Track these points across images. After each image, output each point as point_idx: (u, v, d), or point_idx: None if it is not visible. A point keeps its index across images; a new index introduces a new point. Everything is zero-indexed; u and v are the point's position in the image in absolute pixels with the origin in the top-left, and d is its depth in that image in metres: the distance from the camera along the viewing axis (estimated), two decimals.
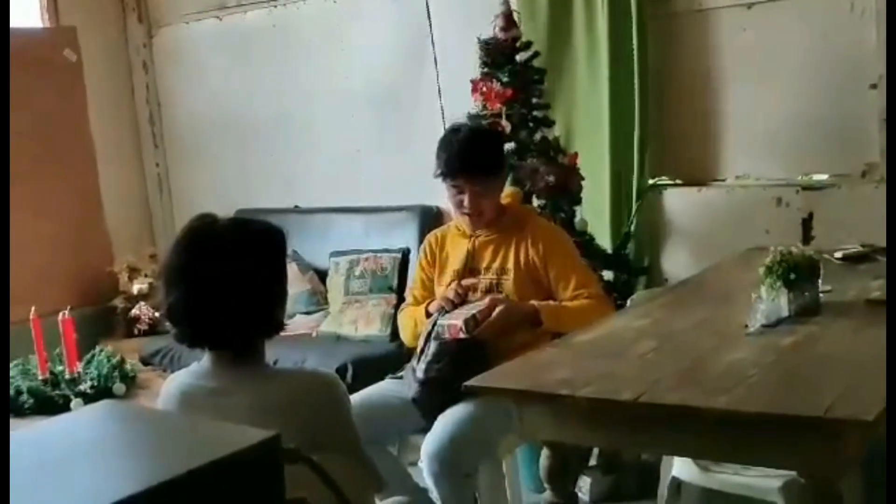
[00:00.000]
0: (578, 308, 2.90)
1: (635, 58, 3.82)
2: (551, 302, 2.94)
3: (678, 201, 3.98)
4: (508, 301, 2.91)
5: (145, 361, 4.40)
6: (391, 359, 3.64)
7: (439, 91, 4.44)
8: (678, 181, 4.00)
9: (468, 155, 2.96)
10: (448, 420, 2.77)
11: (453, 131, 3.07)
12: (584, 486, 3.39)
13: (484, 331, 2.83)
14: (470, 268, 3.05)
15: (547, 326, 2.86)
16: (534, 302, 2.91)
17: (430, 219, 4.26)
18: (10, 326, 4.01)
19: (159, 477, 1.07)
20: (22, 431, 1.30)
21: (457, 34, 4.25)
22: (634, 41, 3.81)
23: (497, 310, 2.85)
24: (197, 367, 2.04)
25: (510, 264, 2.99)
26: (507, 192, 3.22)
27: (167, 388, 2.09)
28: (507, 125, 3.69)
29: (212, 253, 1.93)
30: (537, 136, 3.77)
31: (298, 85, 4.99)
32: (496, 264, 3.02)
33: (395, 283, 4.22)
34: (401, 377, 3.02)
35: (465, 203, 2.97)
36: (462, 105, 3.81)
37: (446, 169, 2.96)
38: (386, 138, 4.66)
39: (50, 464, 1.16)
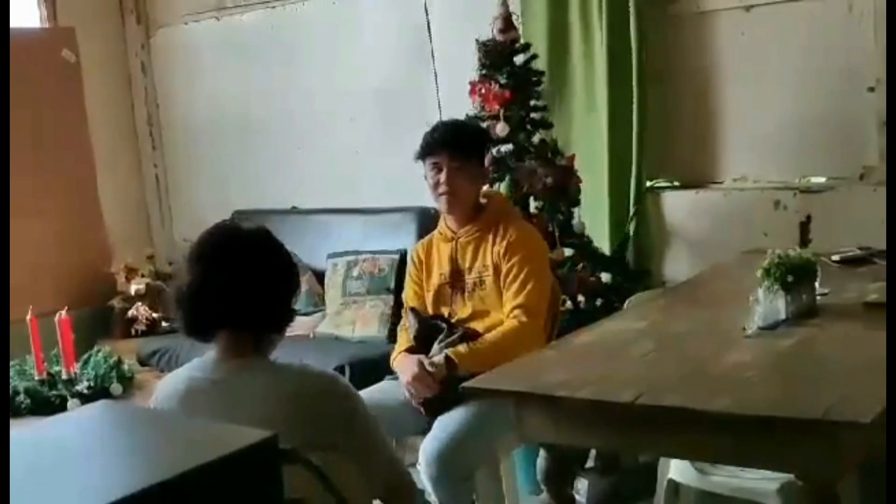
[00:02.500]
0: (499, 340, 2.87)
1: (634, 60, 3.82)
2: (462, 348, 2.89)
3: (676, 204, 3.98)
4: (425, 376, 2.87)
5: (143, 362, 4.40)
6: (388, 360, 3.64)
7: (437, 92, 4.44)
8: (676, 183, 4.01)
9: (449, 133, 3.06)
10: (447, 422, 2.77)
11: (437, 122, 3.20)
12: (581, 488, 3.39)
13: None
14: (455, 269, 3.07)
15: (466, 371, 2.73)
16: (449, 352, 2.87)
17: (428, 221, 4.25)
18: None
19: (156, 477, 1.06)
20: (19, 431, 1.29)
21: (455, 36, 4.25)
22: (633, 43, 3.81)
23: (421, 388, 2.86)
24: (199, 361, 2.05)
25: (488, 261, 3.02)
26: (488, 191, 3.25)
27: (164, 387, 2.09)
28: (504, 127, 3.69)
29: (222, 262, 2.02)
30: (535, 137, 3.77)
31: (297, 86, 4.99)
32: (478, 263, 3.04)
33: (392, 284, 4.22)
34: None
35: (442, 180, 2.99)
36: (460, 106, 3.82)
37: (426, 146, 3.03)
38: (384, 140, 4.65)
39: (46, 464, 1.16)
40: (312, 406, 1.96)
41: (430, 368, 2.85)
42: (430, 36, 4.47)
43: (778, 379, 2.19)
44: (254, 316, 2.02)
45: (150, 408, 2.14)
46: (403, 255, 4.18)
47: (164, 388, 2.08)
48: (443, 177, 3.00)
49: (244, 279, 1.99)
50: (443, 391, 2.83)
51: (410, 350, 3.00)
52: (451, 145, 3.01)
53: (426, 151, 3.04)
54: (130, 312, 4.95)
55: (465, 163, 3.01)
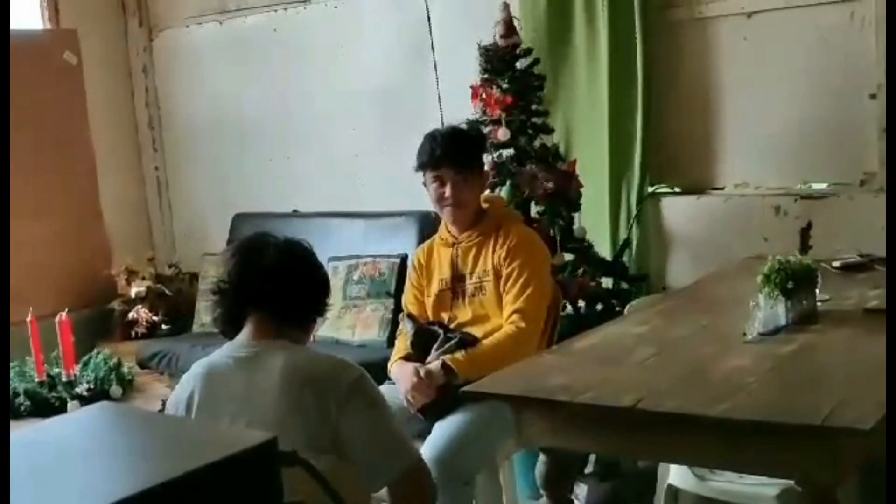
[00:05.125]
0: (497, 346, 2.89)
1: (635, 65, 3.82)
2: (459, 355, 2.89)
3: (677, 209, 3.98)
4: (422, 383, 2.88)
5: (143, 364, 4.40)
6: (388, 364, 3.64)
7: (439, 97, 4.45)
8: (677, 189, 4.01)
9: (450, 144, 3.02)
10: (446, 427, 2.77)
11: (435, 131, 3.13)
12: (580, 493, 3.39)
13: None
14: (456, 274, 3.07)
15: (463, 377, 2.77)
16: (446, 359, 2.88)
17: (428, 224, 4.25)
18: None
19: (155, 479, 1.06)
20: (18, 431, 1.29)
21: (457, 40, 4.25)
22: (635, 49, 3.81)
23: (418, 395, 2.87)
24: (227, 345, 2.18)
25: (489, 266, 3.02)
26: (489, 196, 3.25)
27: (189, 373, 2.18)
28: (506, 132, 3.70)
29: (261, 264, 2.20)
30: (536, 142, 3.77)
31: (298, 89, 4.99)
32: (478, 267, 3.04)
33: (393, 288, 4.22)
34: None
35: (448, 193, 2.99)
36: (462, 111, 3.81)
37: (428, 159, 3.01)
38: (385, 143, 4.66)
39: (46, 465, 1.16)
40: (322, 378, 2.06)
41: (425, 378, 2.85)
42: (431, 39, 4.47)
43: (778, 385, 2.19)
44: (282, 303, 2.16)
45: (149, 409, 2.18)
46: (404, 259, 4.19)
47: (189, 373, 2.18)
48: (447, 190, 3.00)
49: (275, 267, 2.16)
50: (440, 397, 2.83)
51: (407, 357, 3.00)
52: (453, 158, 2.99)
53: (428, 165, 3.02)
54: (130, 315, 4.94)
55: (468, 173, 3.02)
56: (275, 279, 2.16)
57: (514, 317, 2.92)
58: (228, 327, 2.21)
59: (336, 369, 2.10)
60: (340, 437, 2.00)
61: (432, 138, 3.06)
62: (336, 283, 4.38)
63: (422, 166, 3.03)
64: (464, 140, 3.11)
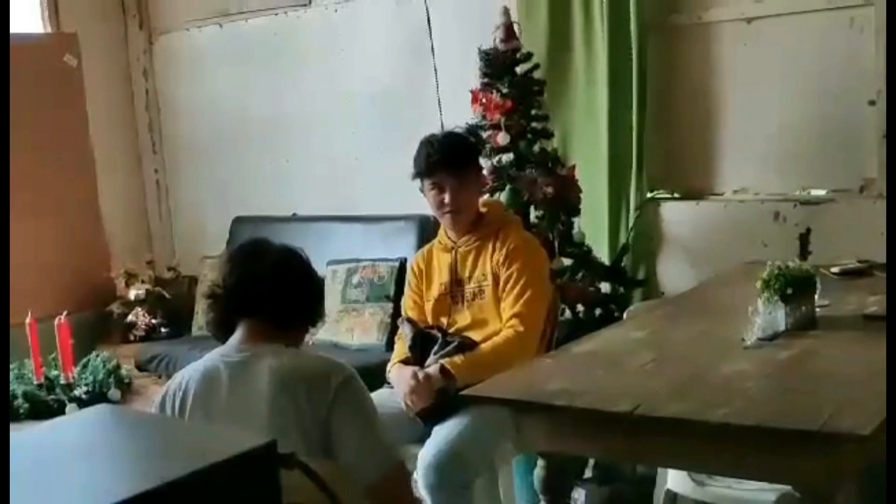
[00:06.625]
0: (495, 350, 2.89)
1: (634, 70, 3.83)
2: (458, 359, 2.89)
3: (676, 215, 3.98)
4: (419, 384, 2.88)
5: (141, 367, 4.40)
6: (387, 368, 3.63)
7: (439, 101, 4.45)
8: (676, 195, 4.01)
9: (446, 150, 3.02)
10: (445, 431, 2.77)
11: (430, 136, 3.13)
12: (579, 497, 3.38)
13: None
14: (455, 279, 3.07)
15: (462, 381, 2.76)
16: (444, 363, 2.88)
17: (427, 228, 4.26)
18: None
19: (153, 481, 1.06)
20: (18, 434, 1.29)
21: (457, 45, 4.26)
22: (634, 54, 3.82)
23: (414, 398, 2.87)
24: (217, 350, 2.18)
25: (488, 270, 3.02)
26: (488, 200, 3.25)
27: (181, 374, 2.17)
28: (505, 136, 3.70)
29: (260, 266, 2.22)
30: (536, 147, 3.77)
31: (298, 93, 5.00)
32: (477, 272, 3.04)
33: (392, 291, 4.22)
34: None
35: (447, 200, 2.99)
36: (461, 115, 3.82)
37: (426, 166, 3.01)
38: (385, 147, 4.66)
39: (45, 467, 1.16)
40: (313, 377, 2.06)
41: (423, 381, 2.85)
42: (431, 44, 4.48)
43: (776, 390, 2.19)
44: (275, 311, 2.16)
45: (148, 412, 2.18)
46: (403, 263, 4.19)
47: (181, 375, 2.17)
48: (447, 197, 3.00)
49: (269, 276, 2.17)
50: (439, 401, 2.83)
51: (406, 361, 3.00)
52: (450, 164, 2.99)
53: (424, 173, 3.02)
54: (129, 317, 4.95)
55: (466, 178, 3.02)
56: (269, 288, 2.16)
57: (513, 321, 2.92)
58: (221, 332, 2.21)
59: (326, 369, 2.10)
60: (330, 436, 2.00)
61: (428, 144, 3.06)
62: (335, 287, 4.39)
63: (419, 174, 3.04)
64: (460, 145, 3.12)
